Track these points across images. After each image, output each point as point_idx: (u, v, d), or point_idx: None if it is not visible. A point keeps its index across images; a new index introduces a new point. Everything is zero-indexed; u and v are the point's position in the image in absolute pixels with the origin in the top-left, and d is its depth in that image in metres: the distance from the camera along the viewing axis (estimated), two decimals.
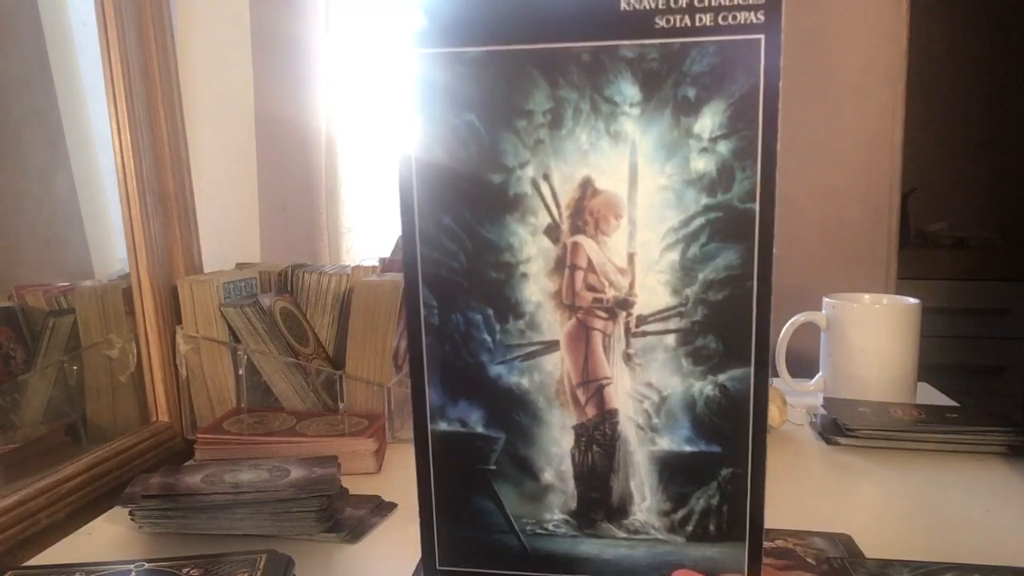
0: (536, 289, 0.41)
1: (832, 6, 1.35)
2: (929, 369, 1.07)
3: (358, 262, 1.03)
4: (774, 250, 0.38)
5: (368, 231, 1.37)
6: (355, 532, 0.65)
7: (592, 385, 0.42)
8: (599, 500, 0.43)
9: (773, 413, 0.89)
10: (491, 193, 0.40)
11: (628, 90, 0.39)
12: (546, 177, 0.40)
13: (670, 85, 0.38)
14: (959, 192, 2.56)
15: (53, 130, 0.87)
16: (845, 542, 0.61)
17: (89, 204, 0.90)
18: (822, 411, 0.93)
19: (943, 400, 1.04)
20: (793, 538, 0.62)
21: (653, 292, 0.40)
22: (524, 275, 0.41)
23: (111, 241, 0.89)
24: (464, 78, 0.40)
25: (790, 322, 1.01)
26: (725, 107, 0.38)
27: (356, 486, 0.73)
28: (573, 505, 0.43)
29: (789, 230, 1.39)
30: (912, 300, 1.01)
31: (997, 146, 2.54)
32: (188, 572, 0.57)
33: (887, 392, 0.97)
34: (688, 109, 0.38)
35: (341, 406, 0.88)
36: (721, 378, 0.40)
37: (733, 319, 0.39)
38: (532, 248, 0.41)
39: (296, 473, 0.68)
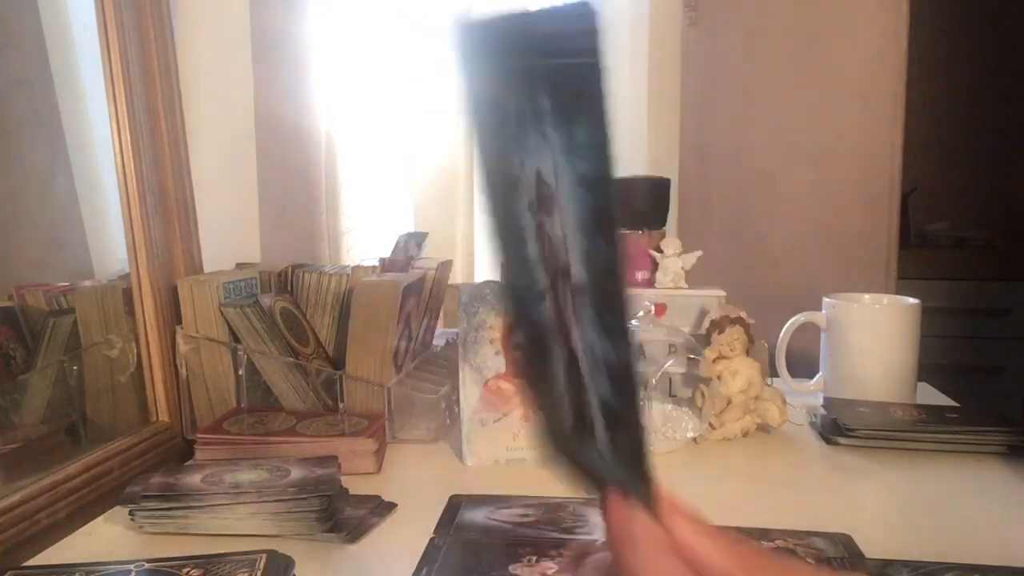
0: None
1: (832, 6, 1.35)
2: (929, 369, 1.07)
3: (358, 262, 1.03)
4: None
5: (368, 231, 1.37)
6: (355, 532, 0.66)
7: None
8: None
9: (773, 413, 0.89)
10: None
11: None
12: None
13: None
14: (959, 192, 2.55)
15: (53, 130, 0.87)
16: (845, 542, 0.62)
17: (89, 204, 0.90)
18: (822, 411, 0.93)
19: (943, 400, 1.04)
20: (793, 538, 0.62)
21: None
22: None
23: (111, 241, 0.89)
24: None
25: (790, 322, 1.01)
26: None
27: (356, 486, 0.73)
28: None
29: (789, 230, 1.39)
30: (912, 300, 1.01)
31: (997, 146, 2.54)
32: (188, 572, 0.57)
33: (887, 392, 0.97)
34: None
35: (341, 406, 0.88)
36: None
37: None
38: None
39: (296, 473, 0.69)
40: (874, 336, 0.98)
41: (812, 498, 0.75)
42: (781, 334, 1.00)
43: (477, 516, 0.69)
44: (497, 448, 0.84)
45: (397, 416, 0.90)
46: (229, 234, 1.05)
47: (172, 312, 0.87)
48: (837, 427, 0.87)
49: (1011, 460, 0.81)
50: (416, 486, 0.79)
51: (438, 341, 1.11)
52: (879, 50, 1.34)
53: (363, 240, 1.36)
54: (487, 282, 0.90)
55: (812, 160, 1.38)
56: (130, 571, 0.58)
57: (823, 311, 1.02)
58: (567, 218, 0.29)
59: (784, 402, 0.91)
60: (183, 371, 0.87)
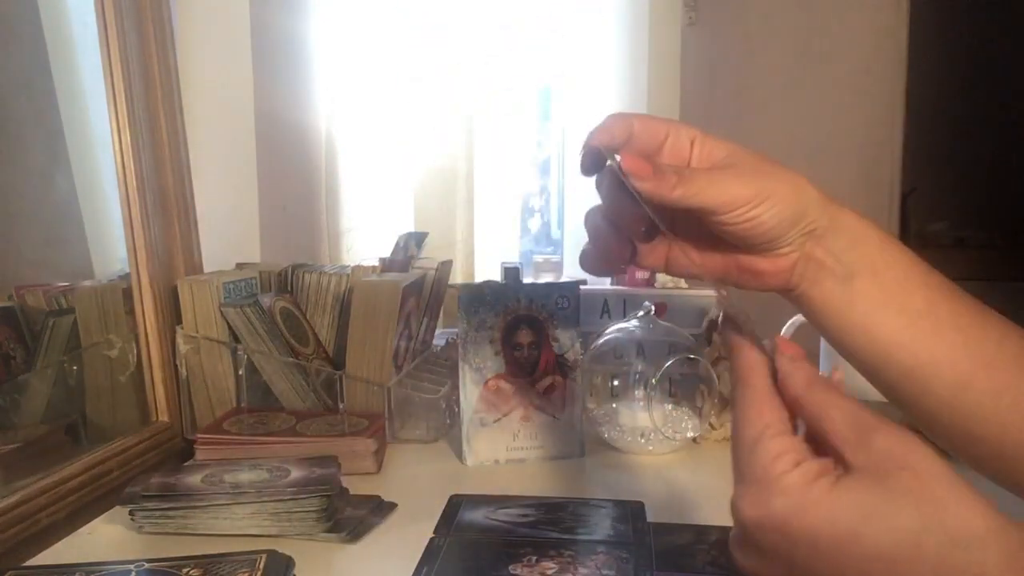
0: None
1: (832, 6, 1.35)
2: None
3: (358, 262, 1.03)
4: None
5: (368, 231, 1.37)
6: (355, 532, 0.66)
7: None
8: None
9: None
10: None
11: None
12: None
13: None
14: (959, 192, 2.55)
15: (53, 130, 0.87)
16: None
17: (89, 204, 0.90)
18: None
19: None
20: None
21: None
22: None
23: (111, 241, 0.89)
24: None
25: (790, 322, 1.01)
26: None
27: (356, 486, 0.73)
28: None
29: None
30: None
31: (997, 146, 2.54)
32: (188, 572, 0.57)
33: None
34: None
35: (341, 406, 0.88)
36: None
37: None
38: None
39: (296, 473, 0.69)
40: None
41: None
42: (781, 334, 1.00)
43: (477, 516, 0.69)
44: (497, 448, 0.84)
45: (397, 416, 0.90)
46: (229, 234, 1.05)
47: (172, 312, 0.87)
48: None
49: None
50: (416, 486, 0.79)
51: (438, 341, 1.11)
52: (879, 50, 1.34)
53: (363, 240, 1.36)
54: (487, 282, 0.90)
55: (812, 160, 1.37)
56: (130, 571, 0.58)
57: None
58: None
59: None
60: (183, 371, 0.87)
